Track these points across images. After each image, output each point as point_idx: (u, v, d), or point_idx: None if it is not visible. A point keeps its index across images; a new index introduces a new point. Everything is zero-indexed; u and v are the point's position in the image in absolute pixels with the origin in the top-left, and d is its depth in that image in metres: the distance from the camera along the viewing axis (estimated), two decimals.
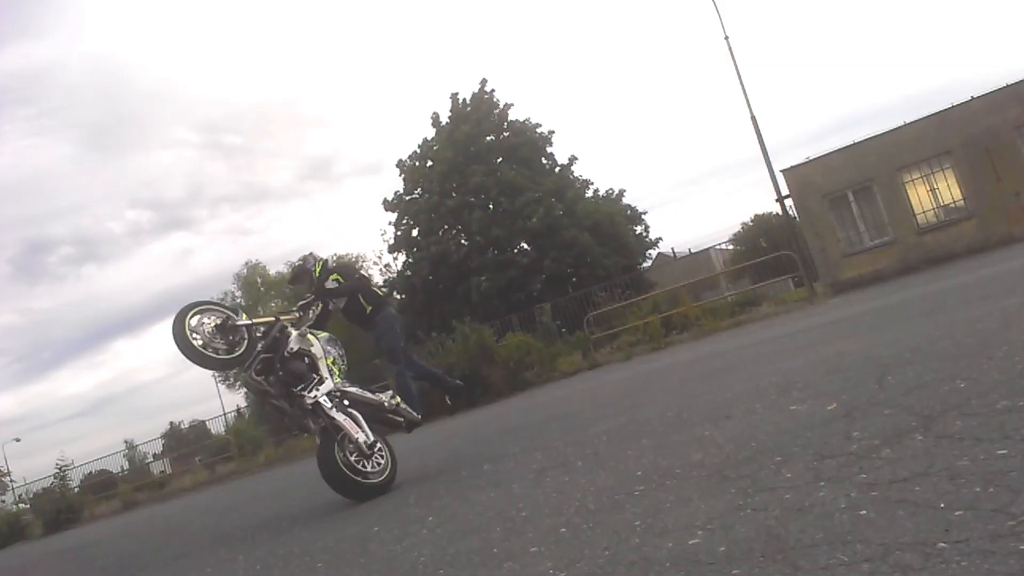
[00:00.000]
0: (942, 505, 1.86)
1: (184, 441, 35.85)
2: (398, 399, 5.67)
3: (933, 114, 17.28)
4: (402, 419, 5.71)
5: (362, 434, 4.95)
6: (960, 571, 1.50)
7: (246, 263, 39.51)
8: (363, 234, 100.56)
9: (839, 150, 18.25)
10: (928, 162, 17.14)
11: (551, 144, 27.45)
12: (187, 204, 79.19)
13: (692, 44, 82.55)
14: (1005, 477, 1.93)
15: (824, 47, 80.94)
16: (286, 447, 19.99)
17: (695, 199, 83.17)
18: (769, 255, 21.87)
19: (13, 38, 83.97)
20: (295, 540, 4.25)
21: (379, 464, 5.05)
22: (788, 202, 18.55)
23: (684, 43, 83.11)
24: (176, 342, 4.69)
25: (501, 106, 27.14)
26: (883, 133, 17.76)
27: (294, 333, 5.23)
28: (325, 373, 5.18)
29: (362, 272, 6.30)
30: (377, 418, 5.47)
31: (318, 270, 6.12)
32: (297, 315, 5.59)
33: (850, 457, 2.52)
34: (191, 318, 4.79)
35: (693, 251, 35.35)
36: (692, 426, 4.00)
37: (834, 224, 18.02)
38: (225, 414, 26.86)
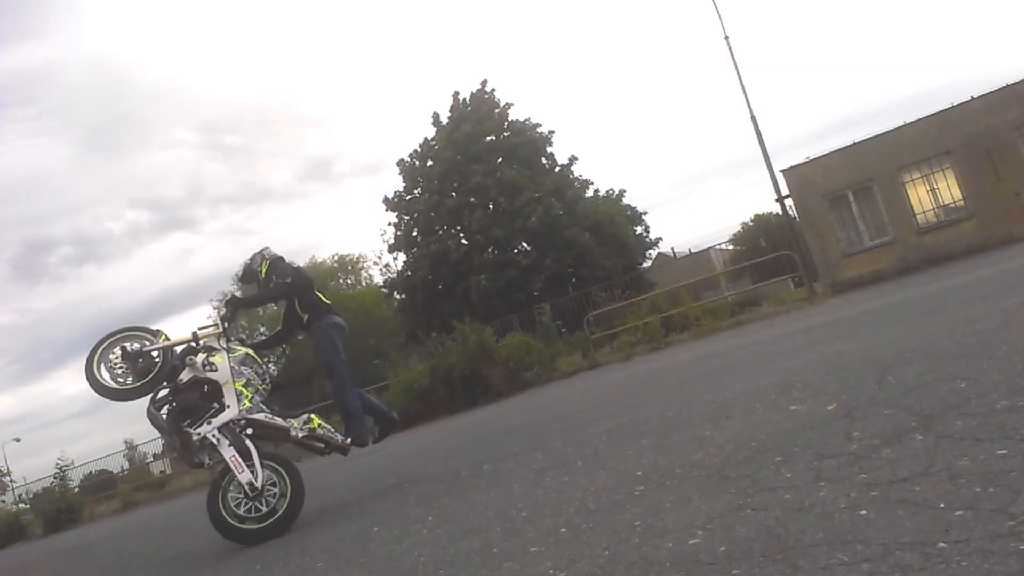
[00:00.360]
0: (942, 505, 1.86)
1: None
2: (315, 422, 5.03)
3: (933, 114, 17.28)
4: (323, 445, 5.12)
5: (246, 473, 4.49)
6: (960, 571, 1.50)
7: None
8: (363, 234, 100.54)
9: (839, 150, 18.25)
10: (928, 162, 17.14)
11: (551, 144, 27.46)
12: (187, 204, 79.24)
13: (692, 44, 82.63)
14: (1005, 477, 1.93)
15: (824, 47, 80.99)
16: (286, 447, 20.00)
17: (695, 199, 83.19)
18: (769, 255, 21.86)
19: (14, 38, 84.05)
20: (295, 540, 4.26)
21: (265, 506, 4.54)
22: (788, 202, 18.54)
23: (684, 43, 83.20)
24: (86, 376, 4.58)
25: (501, 106, 27.14)
26: (883, 133, 17.76)
27: (197, 360, 4.74)
28: (230, 400, 4.70)
29: (299, 274, 5.65)
30: (296, 444, 5.07)
31: (263, 271, 5.65)
32: (218, 329, 5.00)
33: (850, 457, 2.52)
34: (101, 349, 4.65)
35: (693, 251, 35.33)
36: (692, 426, 4.00)
37: (834, 224, 18.02)
38: None
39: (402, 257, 28.14)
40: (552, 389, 12.49)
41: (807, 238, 18.42)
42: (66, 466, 20.84)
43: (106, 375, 4.63)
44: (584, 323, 17.62)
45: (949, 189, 17.08)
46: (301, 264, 5.99)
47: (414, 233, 27.27)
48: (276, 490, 4.59)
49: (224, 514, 4.53)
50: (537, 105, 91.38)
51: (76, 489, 21.88)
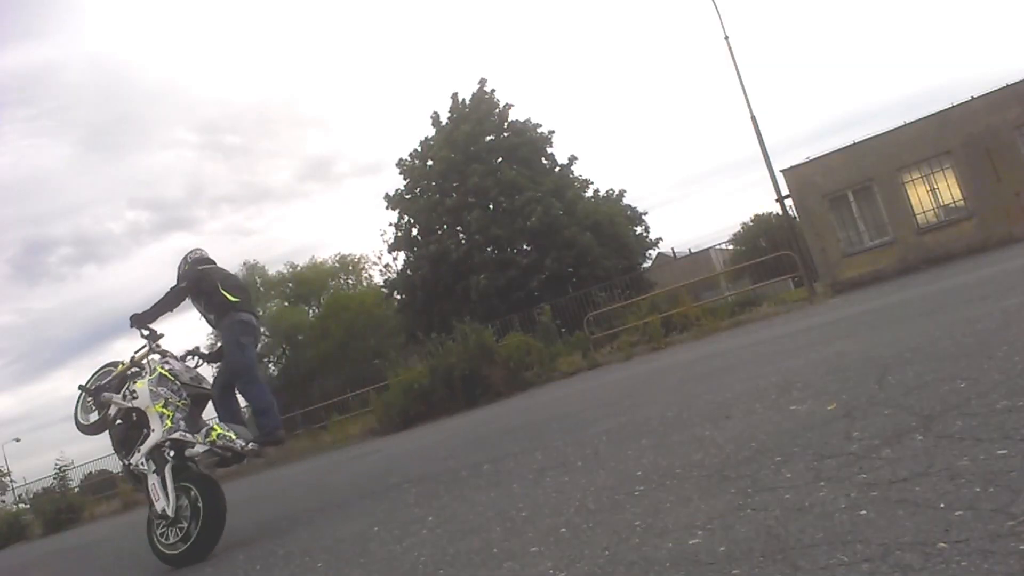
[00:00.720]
0: (942, 505, 1.86)
1: None
2: (215, 432, 4.78)
3: (933, 114, 17.28)
4: (229, 454, 4.91)
5: (161, 502, 4.46)
6: (960, 571, 1.50)
7: (244, 263, 39.47)
8: (363, 234, 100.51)
9: (839, 150, 18.25)
10: (928, 162, 17.14)
11: (551, 144, 27.45)
12: (187, 204, 79.21)
13: (692, 44, 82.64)
14: (1005, 477, 1.93)
15: (824, 47, 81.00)
16: (286, 447, 20.00)
17: (695, 199, 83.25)
18: (769, 255, 21.84)
19: (14, 39, 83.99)
20: (295, 540, 4.25)
21: (179, 532, 4.46)
22: (788, 202, 18.54)
23: (684, 43, 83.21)
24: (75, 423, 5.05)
25: (501, 106, 27.14)
26: (883, 133, 17.77)
27: (116, 396, 4.85)
28: (155, 424, 4.64)
29: (194, 276, 5.38)
30: (205, 459, 4.97)
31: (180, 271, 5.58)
32: (145, 350, 5.00)
33: (850, 457, 2.52)
34: (80, 400, 5.06)
35: (693, 251, 35.33)
36: (692, 426, 4.00)
37: (834, 224, 18.02)
38: None
39: (402, 257, 28.17)
40: (552, 389, 12.48)
41: (807, 238, 18.42)
42: (66, 466, 20.86)
43: (83, 414, 5.08)
44: (584, 323, 17.62)
45: (949, 189, 17.08)
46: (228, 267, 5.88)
47: (414, 233, 27.28)
48: (189, 516, 4.48)
49: (156, 543, 4.57)
50: (537, 105, 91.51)
51: (76, 489, 21.87)
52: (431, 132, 27.71)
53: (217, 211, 77.99)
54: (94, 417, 4.98)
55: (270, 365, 37.18)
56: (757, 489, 2.46)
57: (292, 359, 34.50)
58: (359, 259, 41.05)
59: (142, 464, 4.62)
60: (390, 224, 28.31)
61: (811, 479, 2.39)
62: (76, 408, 5.14)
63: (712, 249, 32.89)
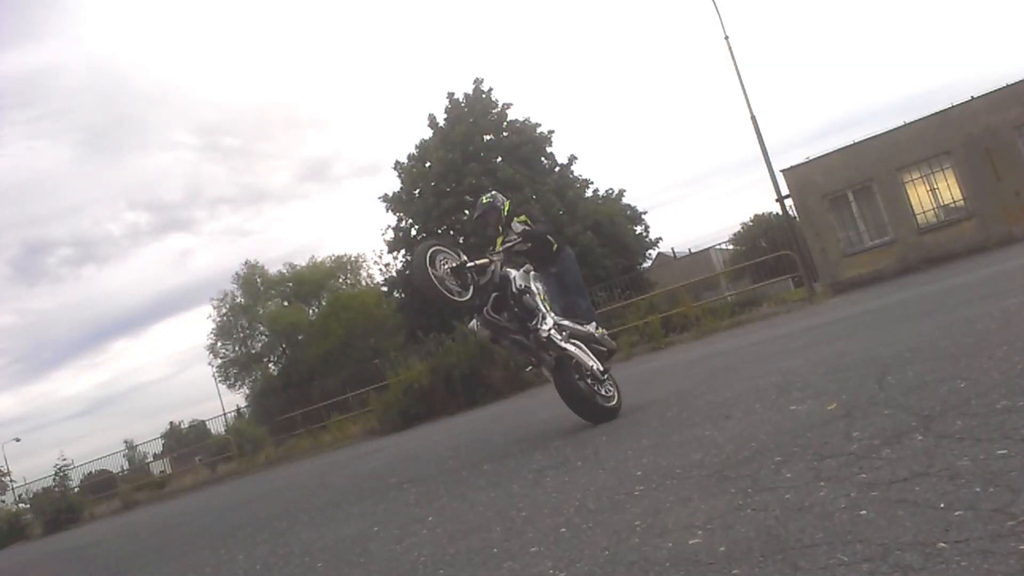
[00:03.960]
0: (942, 505, 1.86)
1: (184, 441, 35.84)
2: (602, 329, 5.96)
3: (933, 114, 17.29)
4: (605, 348, 5.81)
5: (594, 362, 5.17)
6: (960, 571, 1.50)
7: (245, 262, 39.51)
8: (362, 234, 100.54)
9: (839, 150, 18.26)
10: (928, 162, 17.14)
11: (551, 144, 27.45)
12: (186, 205, 79.38)
13: (692, 44, 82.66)
14: (1005, 477, 1.93)
15: (824, 47, 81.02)
16: (286, 447, 20.00)
17: (695, 199, 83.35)
18: (769, 255, 21.85)
19: (13, 41, 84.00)
20: (295, 540, 4.25)
21: (611, 390, 5.34)
22: (788, 202, 18.55)
23: (684, 43, 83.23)
24: (418, 279, 4.98)
25: (500, 106, 27.13)
26: (883, 133, 17.77)
27: (516, 271, 5.35)
28: (544, 308, 5.26)
29: (547, 217, 6.66)
30: (587, 348, 5.56)
31: (506, 209, 6.30)
32: (499, 259, 5.54)
33: (850, 457, 2.52)
34: (431, 256, 5.05)
35: (693, 251, 35.38)
36: (692, 426, 4.00)
37: (834, 224, 18.03)
38: (225, 414, 26.87)
39: (402, 256, 28.15)
40: (552, 389, 12.46)
41: (807, 238, 18.42)
42: (66, 466, 20.87)
43: (439, 279, 5.00)
44: None
45: (949, 189, 17.08)
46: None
47: (413, 233, 27.28)
48: (611, 382, 5.40)
49: (585, 391, 5.14)
50: (536, 105, 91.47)
51: (76, 489, 21.87)
52: (428, 134, 27.71)
53: (216, 212, 78.17)
54: (468, 294, 5.18)
55: (270, 365, 37.19)
56: (757, 489, 2.46)
57: (292, 359, 34.49)
58: (356, 258, 41.06)
59: (555, 332, 5.08)
60: (389, 226, 28.33)
61: (811, 479, 2.39)
62: (434, 282, 4.91)
63: (712, 249, 32.92)
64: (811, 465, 2.55)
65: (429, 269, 4.94)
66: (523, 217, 6.25)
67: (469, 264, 5.22)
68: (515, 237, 5.84)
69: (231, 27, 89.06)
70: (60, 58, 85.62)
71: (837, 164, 18.00)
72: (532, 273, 5.56)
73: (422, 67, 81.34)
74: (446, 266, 5.12)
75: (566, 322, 5.40)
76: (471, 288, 5.19)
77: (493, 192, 6.54)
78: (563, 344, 5.09)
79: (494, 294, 5.22)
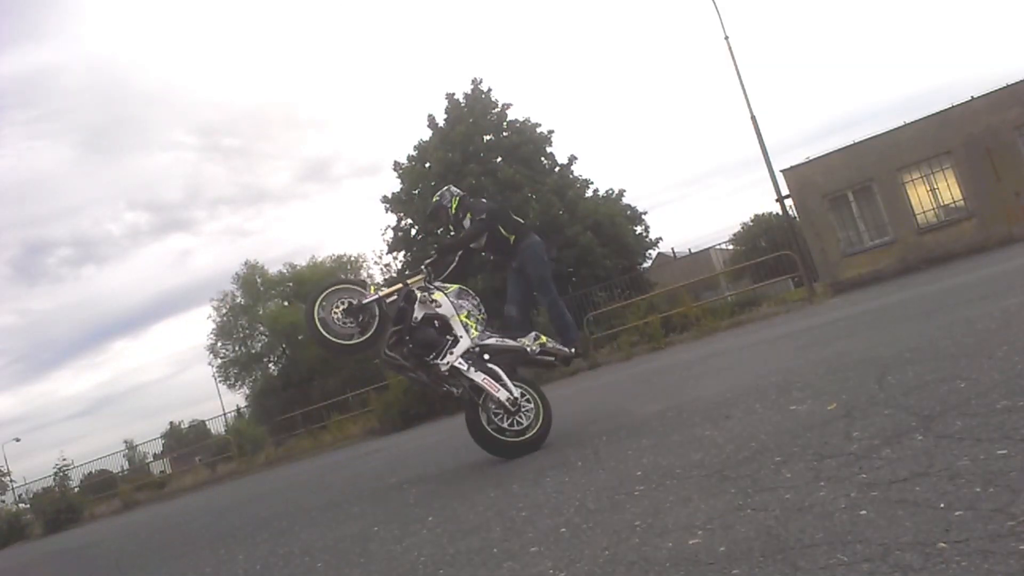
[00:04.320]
0: (942, 505, 1.86)
1: (184, 441, 35.85)
2: (543, 338, 5.23)
3: (933, 114, 17.28)
4: (552, 357, 5.29)
5: (503, 391, 4.74)
6: (960, 571, 1.50)
7: (245, 262, 39.50)
8: (362, 234, 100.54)
9: (839, 150, 18.25)
10: (928, 162, 17.14)
11: (551, 144, 27.43)
12: (185, 206, 79.36)
13: (692, 44, 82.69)
14: (1005, 477, 1.93)
15: (824, 47, 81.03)
16: (286, 447, 20.01)
17: (695, 199, 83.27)
18: (769, 255, 21.84)
19: (13, 42, 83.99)
20: (295, 540, 4.25)
21: (525, 420, 4.83)
22: (788, 202, 18.55)
23: (684, 43, 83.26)
24: (311, 335, 4.77)
25: (499, 106, 27.12)
26: (883, 133, 17.77)
27: (418, 299, 4.98)
28: (460, 331, 4.94)
29: (492, 206, 5.79)
30: (527, 362, 5.24)
31: (454, 206, 5.75)
32: (423, 274, 5.22)
33: (850, 457, 2.52)
34: (319, 308, 4.71)
35: (693, 251, 35.33)
36: (692, 426, 4.00)
37: (834, 224, 18.02)
38: (225, 414, 26.87)
39: (402, 257, 28.13)
40: (552, 389, 12.47)
41: (807, 238, 18.42)
42: (66, 466, 20.88)
43: (332, 332, 4.72)
44: (584, 323, 17.61)
45: (949, 189, 17.08)
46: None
47: (413, 233, 27.27)
48: (531, 406, 4.87)
49: (490, 430, 4.79)
50: (536, 105, 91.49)
51: (76, 489, 21.87)
52: (428, 134, 27.70)
53: (216, 212, 78.14)
54: (355, 335, 4.77)
55: (270, 365, 37.17)
56: (757, 489, 2.46)
57: (292, 359, 34.45)
58: (356, 259, 41.05)
59: (459, 363, 4.78)
60: (388, 226, 28.31)
61: (811, 479, 2.39)
62: (320, 331, 4.70)
63: (712, 249, 32.89)
64: (811, 465, 2.55)
65: (316, 314, 4.65)
66: (470, 214, 5.66)
67: (369, 299, 4.81)
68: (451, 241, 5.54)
69: (231, 27, 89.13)
70: (60, 58, 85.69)
71: (837, 164, 17.99)
72: (457, 290, 5.17)
73: (422, 67, 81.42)
74: (341, 307, 4.74)
75: (492, 340, 5.01)
76: (375, 324, 4.78)
77: (443, 189, 6.00)
78: (470, 375, 4.74)
79: (393, 329, 4.86)
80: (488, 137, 26.68)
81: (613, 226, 25.64)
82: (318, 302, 4.73)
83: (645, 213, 28.29)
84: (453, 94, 27.28)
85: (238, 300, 38.68)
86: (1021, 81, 16.40)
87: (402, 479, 5.64)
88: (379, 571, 2.93)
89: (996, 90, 16.67)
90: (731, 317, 15.61)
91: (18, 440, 51.28)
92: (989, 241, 15.79)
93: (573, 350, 5.42)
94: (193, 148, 75.16)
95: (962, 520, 1.73)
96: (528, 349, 5.13)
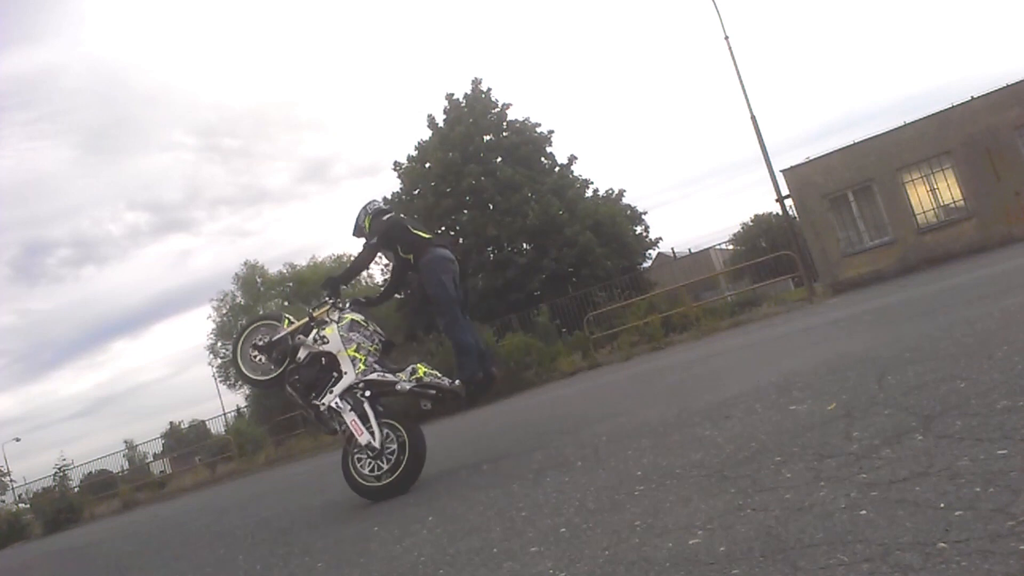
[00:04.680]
0: (942, 505, 1.86)
1: (184, 441, 35.83)
2: (421, 371, 4.92)
3: (933, 114, 17.28)
4: (433, 391, 4.98)
5: (365, 435, 4.63)
6: (960, 571, 1.50)
7: (245, 262, 39.51)
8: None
9: (839, 150, 18.26)
10: (928, 162, 17.14)
11: (551, 144, 27.43)
12: (185, 206, 79.44)
13: (692, 44, 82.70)
14: (1005, 477, 1.93)
15: (824, 47, 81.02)
16: (286, 447, 20.00)
17: (695, 199, 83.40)
18: (769, 255, 21.87)
19: (13, 42, 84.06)
20: (295, 540, 4.25)
21: (385, 465, 4.66)
22: (788, 202, 18.56)
23: (684, 43, 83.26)
24: (235, 374, 4.99)
25: (499, 106, 27.11)
26: (883, 133, 17.77)
27: (307, 338, 4.95)
28: (346, 367, 4.82)
29: (386, 227, 5.34)
30: (410, 396, 5.08)
31: (367, 225, 5.51)
32: (327, 306, 5.13)
33: (850, 457, 2.52)
34: (242, 345, 5.00)
35: (693, 251, 35.33)
36: (692, 426, 4.00)
37: (834, 224, 18.02)
38: (225, 414, 26.91)
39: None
40: (552, 389, 12.48)
41: (807, 238, 18.42)
42: (66, 466, 20.88)
43: (251, 369, 5.05)
44: (584, 323, 17.61)
45: (949, 189, 17.08)
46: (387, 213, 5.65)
47: None
48: (394, 447, 4.71)
49: (354, 474, 4.76)
50: (536, 105, 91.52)
51: (76, 489, 21.88)
52: (427, 134, 27.69)
53: (215, 213, 78.21)
54: (270, 370, 5.03)
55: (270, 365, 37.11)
56: (757, 489, 2.46)
57: None
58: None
59: (336, 404, 4.75)
60: None
61: (811, 479, 2.39)
62: (241, 367, 5.13)
63: (712, 249, 32.92)
64: (811, 465, 2.55)
65: (239, 353, 4.88)
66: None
67: (278, 336, 4.93)
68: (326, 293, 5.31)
69: (230, 28, 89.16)
70: (60, 59, 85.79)
71: (837, 164, 18.00)
72: (348, 323, 5.03)
73: (421, 68, 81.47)
74: (257, 344, 4.95)
75: (374, 375, 4.83)
76: (285, 362, 4.92)
77: (366, 203, 5.69)
78: (345, 416, 4.70)
79: (289, 367, 4.93)
80: (488, 137, 26.67)
81: (613, 226, 25.64)
82: (241, 340, 4.99)
83: (645, 213, 28.30)
84: (453, 94, 27.29)
85: (238, 300, 38.70)
86: (1021, 81, 16.40)
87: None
88: (379, 571, 2.93)
89: (996, 90, 16.68)
90: (731, 317, 15.63)
91: (18, 440, 51.39)
92: (989, 241, 15.79)
93: (457, 383, 5.00)
94: (193, 149, 75.28)
95: (962, 520, 1.73)
96: (398, 385, 4.83)
